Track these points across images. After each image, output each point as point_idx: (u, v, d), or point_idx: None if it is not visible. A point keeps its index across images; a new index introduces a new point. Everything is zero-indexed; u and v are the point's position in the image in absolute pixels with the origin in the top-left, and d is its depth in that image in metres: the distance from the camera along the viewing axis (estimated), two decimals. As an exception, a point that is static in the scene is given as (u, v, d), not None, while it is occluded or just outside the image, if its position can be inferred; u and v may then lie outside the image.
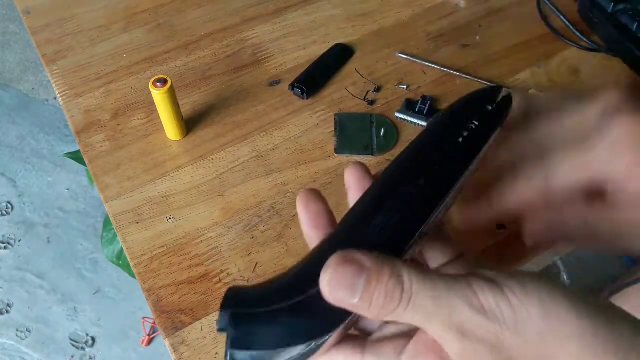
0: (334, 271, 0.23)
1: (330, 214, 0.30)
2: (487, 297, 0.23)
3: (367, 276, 0.23)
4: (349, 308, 0.24)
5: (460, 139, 0.28)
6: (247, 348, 0.25)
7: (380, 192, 0.27)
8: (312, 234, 0.30)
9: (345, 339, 0.28)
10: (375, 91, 0.59)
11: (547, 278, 0.24)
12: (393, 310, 0.23)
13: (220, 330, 0.26)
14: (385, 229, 0.26)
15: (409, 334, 0.28)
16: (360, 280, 0.23)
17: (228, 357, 0.25)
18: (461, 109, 0.30)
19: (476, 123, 0.28)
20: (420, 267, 0.26)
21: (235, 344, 0.25)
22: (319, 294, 0.25)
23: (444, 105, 0.58)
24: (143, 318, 1.30)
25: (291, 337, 0.25)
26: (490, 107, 0.29)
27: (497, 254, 0.42)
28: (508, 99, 0.30)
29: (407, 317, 0.24)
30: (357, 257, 0.24)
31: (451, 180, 0.27)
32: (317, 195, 0.30)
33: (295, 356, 0.26)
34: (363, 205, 0.28)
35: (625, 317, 0.24)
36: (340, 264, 0.23)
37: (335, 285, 0.23)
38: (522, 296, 0.23)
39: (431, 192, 0.27)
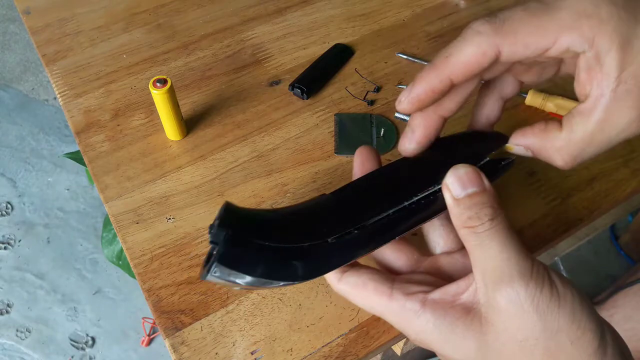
0: (465, 171, 0.28)
1: None
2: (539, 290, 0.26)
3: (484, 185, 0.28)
4: (454, 199, 0.28)
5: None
6: (234, 269, 0.27)
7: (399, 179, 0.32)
8: None
9: (377, 272, 0.31)
10: (375, 91, 0.59)
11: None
12: (473, 226, 0.27)
13: (212, 242, 0.27)
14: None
15: (434, 283, 0.30)
16: (475, 184, 0.28)
17: (211, 268, 0.27)
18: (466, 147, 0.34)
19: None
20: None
21: (223, 261, 0.27)
22: (322, 245, 0.28)
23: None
24: (143, 318, 1.30)
25: (282, 274, 0.28)
26: (488, 159, 0.33)
27: None
28: (510, 164, 0.34)
29: (472, 240, 0.27)
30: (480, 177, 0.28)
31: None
32: (374, 155, 0.34)
33: (270, 286, 0.28)
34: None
35: None
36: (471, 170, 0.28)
37: (464, 180, 0.28)
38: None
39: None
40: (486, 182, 0.28)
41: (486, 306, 0.27)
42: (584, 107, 0.27)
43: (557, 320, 0.25)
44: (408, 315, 0.29)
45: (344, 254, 0.29)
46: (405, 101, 0.30)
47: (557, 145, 0.29)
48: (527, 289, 0.25)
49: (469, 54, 0.27)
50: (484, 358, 0.27)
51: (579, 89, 0.28)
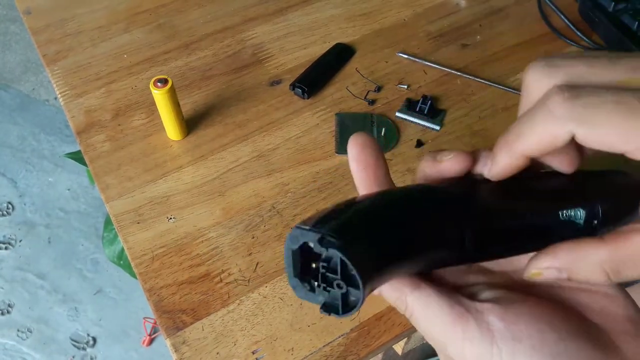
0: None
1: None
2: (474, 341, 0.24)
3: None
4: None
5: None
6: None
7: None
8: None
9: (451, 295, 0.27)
10: (375, 91, 0.59)
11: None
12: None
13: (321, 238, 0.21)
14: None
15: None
16: None
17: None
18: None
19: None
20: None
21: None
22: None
23: (444, 104, 0.58)
24: (144, 318, 1.30)
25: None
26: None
27: None
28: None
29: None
30: None
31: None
32: (373, 143, 0.28)
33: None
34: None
35: None
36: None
37: None
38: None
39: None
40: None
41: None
42: None
43: None
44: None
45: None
46: (489, 175, 0.27)
47: (598, 258, 0.25)
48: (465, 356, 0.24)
49: (539, 137, 0.24)
50: None
51: None
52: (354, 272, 0.21)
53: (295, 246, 0.22)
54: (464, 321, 0.24)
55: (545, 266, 0.26)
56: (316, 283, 0.23)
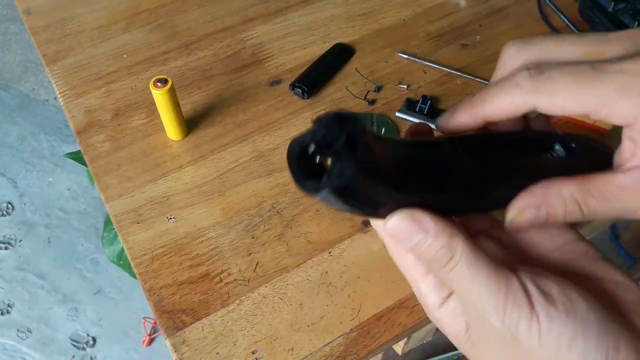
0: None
1: None
2: (515, 319, 0.24)
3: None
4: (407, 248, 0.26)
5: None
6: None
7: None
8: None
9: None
10: (375, 91, 0.59)
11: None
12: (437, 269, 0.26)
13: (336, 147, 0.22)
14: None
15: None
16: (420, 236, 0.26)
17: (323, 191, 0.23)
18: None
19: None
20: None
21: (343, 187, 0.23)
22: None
23: (444, 104, 0.58)
24: (144, 318, 1.30)
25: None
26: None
27: None
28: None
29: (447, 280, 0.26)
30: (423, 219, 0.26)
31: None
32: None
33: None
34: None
35: None
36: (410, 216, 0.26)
37: (399, 235, 0.26)
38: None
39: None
40: (429, 220, 0.25)
41: (473, 332, 0.27)
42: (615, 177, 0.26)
43: (539, 353, 0.24)
44: (428, 306, 0.29)
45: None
46: (443, 125, 0.30)
47: (568, 190, 0.27)
48: (503, 325, 0.24)
49: (503, 104, 0.27)
50: None
51: (618, 154, 0.26)
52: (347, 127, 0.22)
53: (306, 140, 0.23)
54: (509, 282, 0.25)
55: (523, 204, 0.27)
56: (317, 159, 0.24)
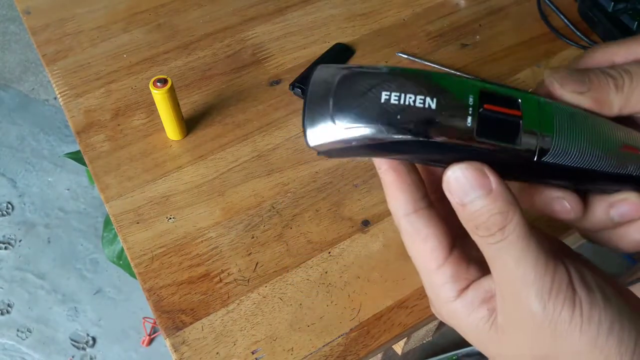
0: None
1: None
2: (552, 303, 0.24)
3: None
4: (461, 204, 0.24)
5: None
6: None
7: None
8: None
9: (443, 227, 0.27)
10: (375, 91, 0.59)
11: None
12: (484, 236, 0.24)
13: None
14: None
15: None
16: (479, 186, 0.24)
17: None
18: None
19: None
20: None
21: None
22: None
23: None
24: (143, 318, 1.30)
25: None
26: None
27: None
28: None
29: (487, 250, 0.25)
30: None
31: None
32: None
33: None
34: None
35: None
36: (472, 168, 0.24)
37: (463, 184, 0.24)
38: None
39: None
40: (494, 180, 0.23)
41: (503, 316, 0.25)
42: None
43: (577, 343, 0.23)
44: (441, 298, 0.27)
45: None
46: (562, 88, 0.27)
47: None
48: (545, 311, 0.23)
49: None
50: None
51: None
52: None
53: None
54: (557, 267, 0.24)
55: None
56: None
